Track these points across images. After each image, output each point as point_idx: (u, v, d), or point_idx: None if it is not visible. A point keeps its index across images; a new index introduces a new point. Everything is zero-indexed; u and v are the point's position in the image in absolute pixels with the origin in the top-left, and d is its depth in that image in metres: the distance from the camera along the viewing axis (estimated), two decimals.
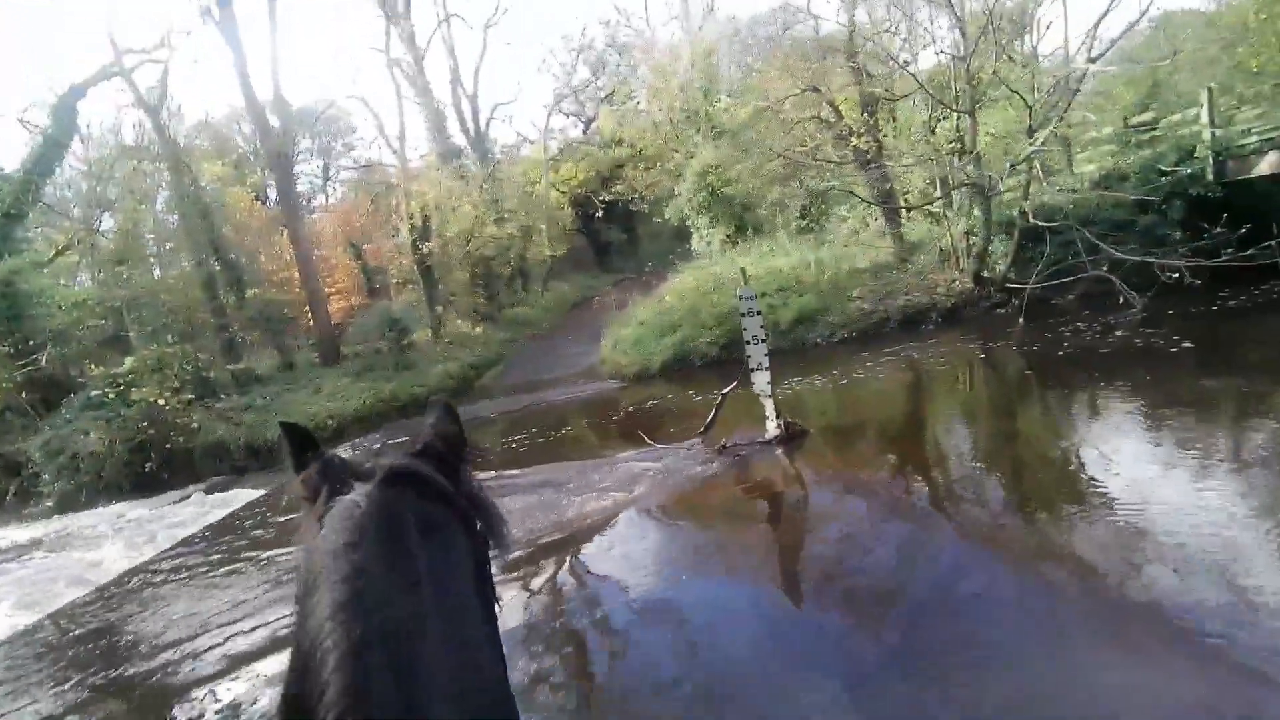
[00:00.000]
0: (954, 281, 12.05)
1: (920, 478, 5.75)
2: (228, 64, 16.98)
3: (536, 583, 5.04)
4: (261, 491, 11.65)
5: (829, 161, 14.90)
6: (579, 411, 11.98)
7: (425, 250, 17.91)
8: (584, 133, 31.56)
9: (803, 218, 19.60)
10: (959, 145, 11.11)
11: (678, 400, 10.44)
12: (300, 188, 35.94)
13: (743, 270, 6.65)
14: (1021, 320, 10.06)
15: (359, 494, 0.83)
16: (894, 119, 15.35)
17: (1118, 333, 8.55)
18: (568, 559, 5.30)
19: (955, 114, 11.10)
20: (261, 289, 19.59)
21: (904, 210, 14.05)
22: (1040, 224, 10.03)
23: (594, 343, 18.64)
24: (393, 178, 24.70)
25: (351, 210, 26.85)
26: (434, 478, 0.92)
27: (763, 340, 6.52)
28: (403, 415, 14.67)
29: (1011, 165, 10.12)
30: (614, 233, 32.67)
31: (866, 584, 4.20)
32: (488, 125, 26.70)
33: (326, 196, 38.09)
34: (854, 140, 12.77)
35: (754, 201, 20.33)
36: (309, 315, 18.42)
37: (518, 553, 5.56)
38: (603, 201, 27.29)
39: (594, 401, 12.41)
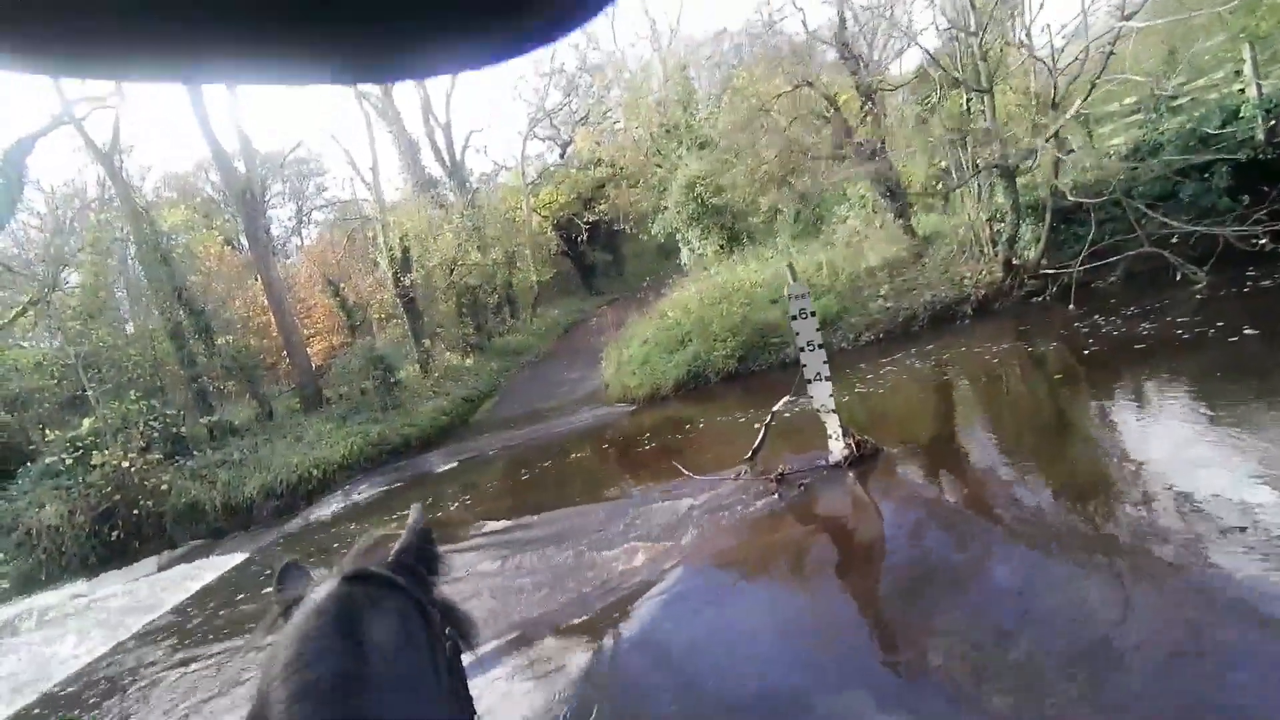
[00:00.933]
0: (981, 272, 11.08)
1: (1018, 501, 4.61)
2: (189, 113, 15.83)
3: (560, 688, 3.78)
4: (239, 557, 10.27)
5: (829, 158, 14.02)
6: (588, 441, 10.77)
7: (407, 282, 16.71)
8: (561, 156, 30.71)
9: (796, 221, 18.79)
10: (974, 127, 10.21)
11: (700, 421, 9.28)
12: (274, 231, 34.70)
13: (790, 266, 5.57)
14: (1071, 306, 9.07)
15: (321, 591, 0.86)
16: (885, 112, 14.54)
17: (1147, 324, 7.53)
18: (604, 646, 4.07)
19: (971, 94, 10.23)
20: (237, 336, 18.27)
21: (911, 201, 13.15)
22: (1084, 200, 9.09)
23: (592, 367, 17.50)
24: (368, 213, 23.59)
25: (327, 249, 25.66)
26: (391, 578, 0.92)
27: (819, 346, 5.41)
28: (394, 458, 13.35)
29: (1045, 141, 9.21)
30: (599, 254, 31.71)
31: (997, 652, 3.08)
32: (463, 153, 25.72)
33: (302, 239, 36.84)
34: (859, 130, 11.86)
35: (747, 209, 19.48)
36: (288, 360, 17.08)
37: (543, 640, 4.35)
38: (586, 223, 26.34)
39: (604, 429, 11.20)
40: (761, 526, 5.07)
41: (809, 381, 5.51)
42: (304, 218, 35.08)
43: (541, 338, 23.20)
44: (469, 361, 18.22)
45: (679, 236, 22.08)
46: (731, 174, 15.70)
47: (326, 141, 49.59)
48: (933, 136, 11.28)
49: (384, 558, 1.01)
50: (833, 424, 5.50)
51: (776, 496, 5.43)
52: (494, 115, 40.59)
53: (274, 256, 26.96)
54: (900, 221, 13.19)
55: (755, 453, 6.12)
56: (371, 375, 14.68)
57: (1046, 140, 9.33)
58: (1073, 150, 10.09)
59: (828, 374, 5.41)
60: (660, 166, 23.38)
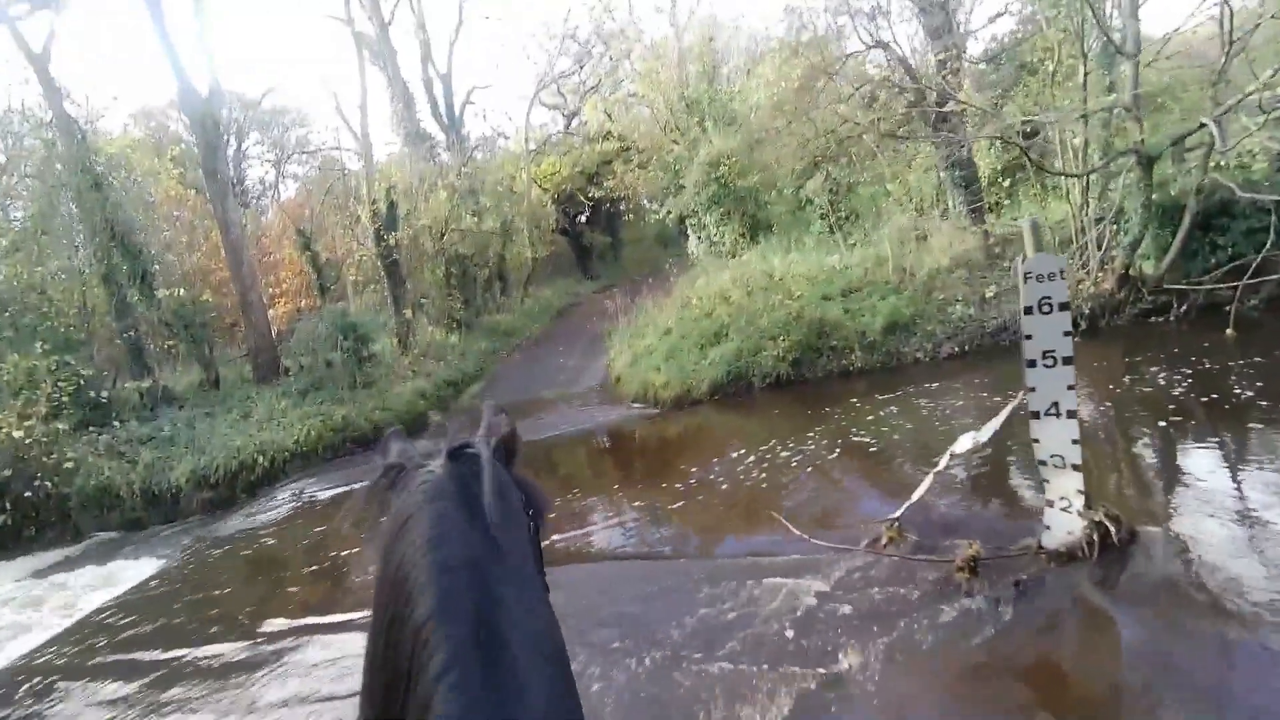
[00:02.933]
0: (1082, 281, 9.11)
1: None
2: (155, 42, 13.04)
3: None
4: (146, 567, 7.84)
5: (892, 135, 11.97)
6: (607, 452, 8.57)
7: (391, 241, 14.19)
8: (566, 128, 28.14)
9: (830, 214, 16.82)
10: (1109, 99, 8.19)
11: (757, 439, 7.08)
12: (250, 183, 31.46)
13: (1034, 224, 3.44)
14: (1230, 331, 7.11)
15: (434, 469, 0.87)
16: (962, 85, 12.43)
17: None
18: None
19: (1121, 59, 8.20)
20: (193, 288, 15.51)
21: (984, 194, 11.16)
22: (1265, 198, 7.13)
23: (592, 355, 15.27)
24: (351, 164, 20.85)
25: (304, 203, 22.92)
26: (491, 458, 0.92)
27: (1065, 360, 3.27)
28: (360, 449, 10.91)
29: (1213, 120, 7.19)
30: (597, 236, 29.35)
31: None
32: (462, 110, 23.07)
33: (279, 193, 33.65)
34: (960, 97, 9.76)
35: (772, 198, 17.42)
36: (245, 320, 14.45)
37: None
38: (590, 199, 23.94)
39: (625, 437, 9.00)
40: (978, 666, 2.92)
41: (1035, 415, 3.37)
42: (282, 169, 31.92)
43: (534, 319, 20.88)
44: (454, 339, 15.80)
45: (691, 223, 19.94)
46: (775, 147, 13.52)
47: (313, 89, 45.83)
48: (1031, 113, 9.15)
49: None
50: (1066, 487, 3.37)
51: (975, 600, 3.28)
52: (498, 76, 37.71)
53: (245, 206, 24.02)
54: (973, 215, 11.19)
55: (903, 511, 3.98)
56: (341, 346, 12.20)
57: (1216, 119, 7.32)
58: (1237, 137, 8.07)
59: (1073, 407, 3.28)
60: (678, 143, 21.13)
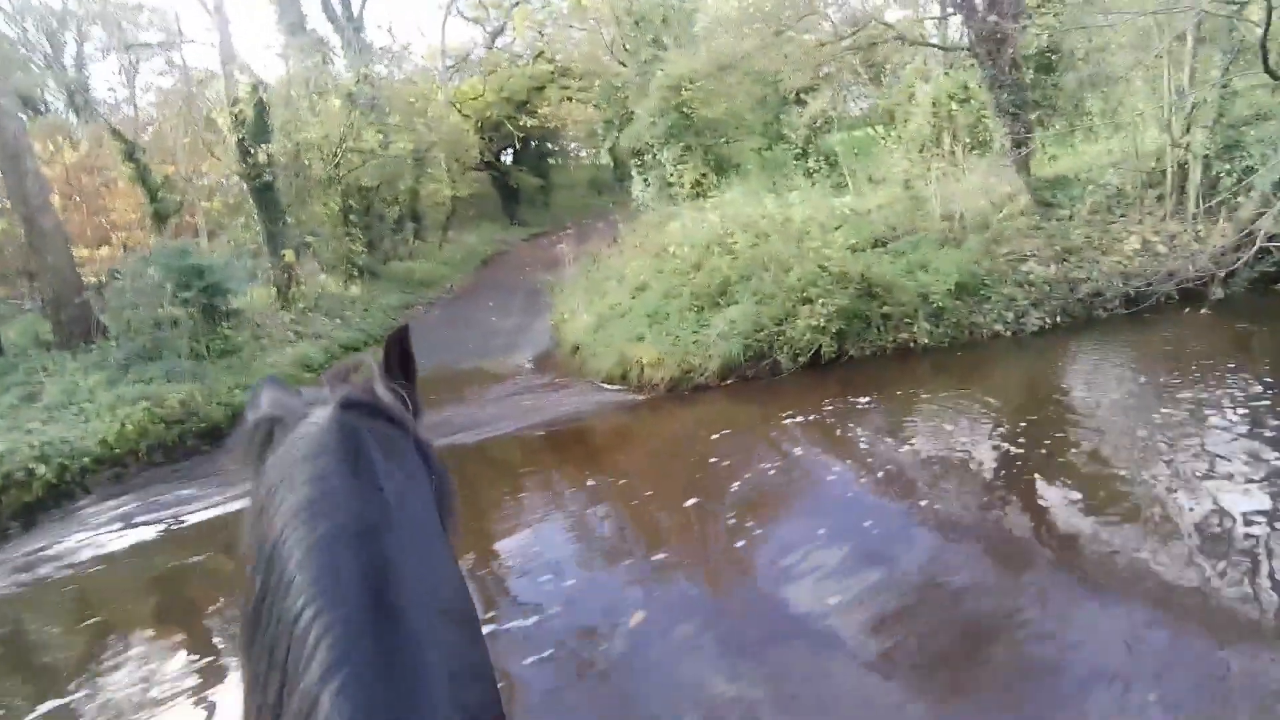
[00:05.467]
0: (1177, 234, 7.06)
1: None
2: None
3: None
4: None
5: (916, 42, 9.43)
6: (592, 470, 5.68)
7: (262, 158, 10.22)
8: (490, 46, 23.70)
9: (802, 156, 14.38)
10: None
11: (827, 454, 4.46)
12: (103, 95, 24.76)
13: None
14: None
15: (317, 421, 0.69)
16: None
17: None
18: None
19: None
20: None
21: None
22: None
23: (531, 313, 12.20)
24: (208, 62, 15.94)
25: (155, 113, 17.79)
26: (390, 409, 0.77)
27: None
28: (210, 445, 7.41)
29: None
30: (526, 177, 25.46)
31: None
32: (362, 8, 18.39)
33: (136, 110, 26.92)
34: None
35: (745, 131, 14.72)
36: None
37: None
38: (521, 128, 20.13)
39: (611, 442, 6.16)
40: None
41: None
42: (134, 77, 25.34)
43: (456, 268, 17.28)
44: (355, 290, 12.13)
45: (638, 162, 16.81)
46: (777, 54, 10.61)
47: None
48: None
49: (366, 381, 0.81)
50: None
51: None
52: None
53: (83, 121, 18.36)
54: (1019, 152, 8.91)
55: None
56: (185, 298, 8.41)
57: None
58: None
59: None
60: (625, 65, 17.74)
